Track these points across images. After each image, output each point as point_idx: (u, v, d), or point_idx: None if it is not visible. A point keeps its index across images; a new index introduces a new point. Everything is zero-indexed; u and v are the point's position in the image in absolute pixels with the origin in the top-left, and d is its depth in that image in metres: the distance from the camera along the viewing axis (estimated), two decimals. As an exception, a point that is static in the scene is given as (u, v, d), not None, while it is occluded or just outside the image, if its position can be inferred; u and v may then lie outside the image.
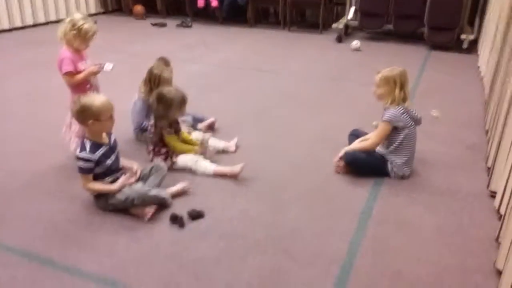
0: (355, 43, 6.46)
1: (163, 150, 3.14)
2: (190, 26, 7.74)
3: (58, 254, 2.30)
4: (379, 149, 3.11)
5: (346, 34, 7.26)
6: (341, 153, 3.06)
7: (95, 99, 2.57)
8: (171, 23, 7.91)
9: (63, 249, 2.34)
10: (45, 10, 7.70)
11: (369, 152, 3.07)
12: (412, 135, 3.05)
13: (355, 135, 3.31)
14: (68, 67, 3.03)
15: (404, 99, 2.99)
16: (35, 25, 7.55)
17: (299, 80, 5.15)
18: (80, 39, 3.03)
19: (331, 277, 2.17)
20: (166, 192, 2.73)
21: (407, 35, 6.97)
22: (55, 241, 2.40)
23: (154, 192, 2.63)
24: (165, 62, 3.54)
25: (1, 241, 2.39)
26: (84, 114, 2.54)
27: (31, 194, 2.81)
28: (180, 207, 2.66)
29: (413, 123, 3.03)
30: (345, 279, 2.16)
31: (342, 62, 5.93)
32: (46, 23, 7.70)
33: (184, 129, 3.42)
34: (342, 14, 7.47)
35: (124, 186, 2.61)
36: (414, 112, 3.04)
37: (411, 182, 3.02)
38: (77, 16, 3.07)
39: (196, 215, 2.59)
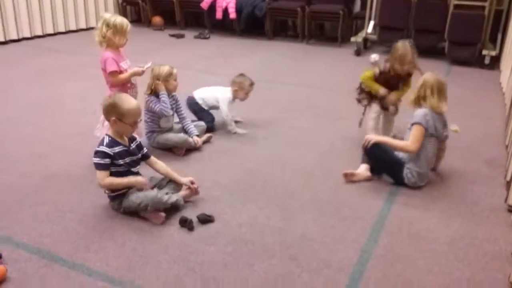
0: (374, 56, 6.37)
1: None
2: (207, 38, 7.80)
3: (67, 252, 2.31)
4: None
5: (365, 47, 7.24)
6: (367, 139, 3.03)
7: (127, 101, 2.63)
8: (189, 34, 7.98)
9: (72, 247, 2.35)
10: (65, 19, 7.84)
11: (390, 151, 3.04)
12: (431, 146, 2.99)
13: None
14: (112, 67, 3.12)
15: (436, 107, 2.95)
16: (55, 34, 7.70)
17: (316, 92, 5.13)
18: (119, 35, 3.13)
19: (340, 285, 2.13)
20: (179, 194, 2.73)
21: (427, 50, 6.91)
22: (64, 240, 2.41)
23: (166, 197, 2.61)
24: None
25: (13, 238, 2.41)
26: (111, 110, 2.60)
27: (42, 195, 2.84)
28: (190, 211, 2.66)
29: (436, 135, 2.97)
30: (354, 288, 2.12)
31: (359, 75, 5.89)
32: (66, 32, 7.86)
33: (195, 132, 3.54)
34: (361, 27, 7.45)
35: (142, 184, 2.62)
36: (441, 128, 3.00)
37: (427, 194, 2.96)
38: (107, 15, 3.16)
39: (205, 220, 2.58)
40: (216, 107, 3.87)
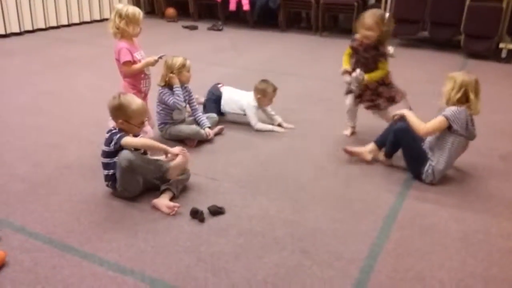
0: (389, 49, 6.34)
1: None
2: (221, 29, 7.79)
3: (79, 242, 2.33)
4: (427, 144, 3.00)
5: (379, 40, 7.16)
6: (400, 112, 3.04)
7: (133, 102, 2.66)
8: (202, 26, 7.98)
9: (84, 237, 2.36)
10: (80, 10, 7.91)
11: (419, 141, 2.99)
12: (458, 146, 2.92)
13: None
14: (126, 57, 3.14)
15: (476, 110, 2.89)
16: (69, 25, 7.76)
17: (328, 85, 5.10)
18: (132, 24, 3.15)
19: (350, 278, 2.12)
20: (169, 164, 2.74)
21: (443, 43, 6.83)
22: (76, 230, 2.43)
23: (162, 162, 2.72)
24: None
25: (26, 227, 2.43)
26: (118, 112, 2.64)
27: (55, 185, 2.86)
28: (201, 203, 2.66)
29: (465, 134, 2.90)
30: (365, 281, 2.11)
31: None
32: (80, 23, 7.92)
33: (207, 124, 3.53)
34: (375, 20, 7.37)
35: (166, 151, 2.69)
36: (472, 125, 2.94)
37: (440, 189, 2.93)
38: (119, 6, 3.18)
39: (216, 211, 2.58)
40: (238, 114, 3.82)
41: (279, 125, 3.84)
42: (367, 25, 3.23)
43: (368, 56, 3.35)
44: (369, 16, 3.23)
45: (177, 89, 3.36)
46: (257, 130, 3.72)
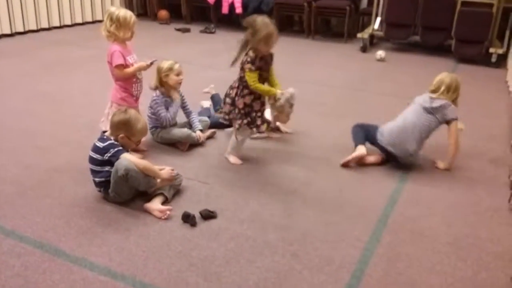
0: (380, 53, 6.40)
1: (246, 91, 3.13)
2: (213, 32, 7.79)
3: (69, 246, 2.32)
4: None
5: (371, 44, 7.21)
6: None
7: (140, 120, 2.70)
8: (195, 28, 7.98)
9: (75, 241, 2.35)
10: (72, 12, 7.85)
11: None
12: (406, 110, 3.26)
13: (359, 126, 3.45)
14: (118, 60, 3.12)
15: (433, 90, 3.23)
16: (61, 27, 7.72)
17: (320, 88, 5.12)
18: (123, 28, 3.12)
19: (341, 283, 2.13)
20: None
21: (434, 47, 6.88)
22: (67, 234, 2.41)
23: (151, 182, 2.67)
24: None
25: (16, 231, 2.42)
26: (123, 127, 2.66)
27: (45, 188, 2.85)
28: (193, 207, 2.65)
29: (417, 102, 3.23)
30: (356, 286, 2.11)
31: (365, 72, 5.88)
32: (72, 25, 7.88)
33: (199, 127, 3.52)
34: (368, 23, 7.42)
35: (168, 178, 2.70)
36: (430, 101, 3.17)
37: (430, 193, 2.96)
38: (111, 9, 3.16)
39: (208, 215, 2.58)
40: None
41: (278, 129, 3.83)
42: (277, 38, 3.02)
43: (268, 67, 3.20)
44: (274, 30, 2.99)
45: (175, 107, 3.40)
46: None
